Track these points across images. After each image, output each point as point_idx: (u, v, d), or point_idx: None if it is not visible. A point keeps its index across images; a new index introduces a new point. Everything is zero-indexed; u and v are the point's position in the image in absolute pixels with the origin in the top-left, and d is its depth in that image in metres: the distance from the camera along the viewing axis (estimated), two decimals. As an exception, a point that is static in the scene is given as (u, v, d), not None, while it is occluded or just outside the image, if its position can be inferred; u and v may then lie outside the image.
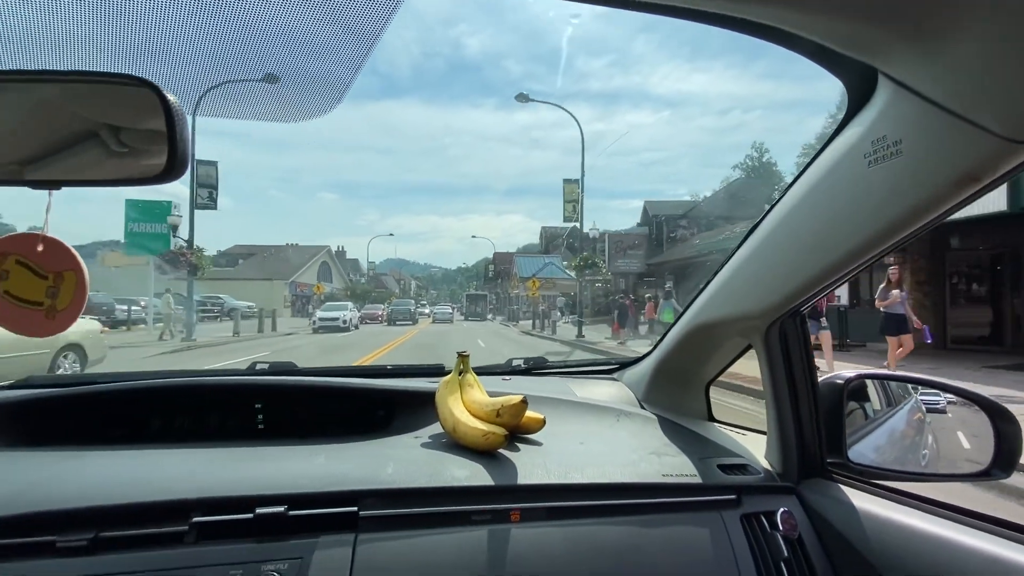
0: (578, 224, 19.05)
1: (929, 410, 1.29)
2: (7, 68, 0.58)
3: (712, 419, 1.19)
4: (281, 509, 0.72)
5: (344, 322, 21.74)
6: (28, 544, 0.67)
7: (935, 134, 0.52)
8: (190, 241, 15.43)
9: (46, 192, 0.62)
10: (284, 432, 1.05)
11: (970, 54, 0.44)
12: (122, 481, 0.77)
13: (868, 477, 0.86)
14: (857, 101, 0.61)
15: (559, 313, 19.83)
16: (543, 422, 0.99)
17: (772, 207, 0.79)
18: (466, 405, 0.98)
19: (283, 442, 0.94)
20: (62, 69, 0.56)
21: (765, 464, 0.93)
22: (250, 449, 0.90)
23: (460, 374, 1.03)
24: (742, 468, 0.90)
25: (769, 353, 0.89)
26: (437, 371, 1.36)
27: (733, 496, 0.84)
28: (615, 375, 1.42)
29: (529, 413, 0.97)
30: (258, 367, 1.34)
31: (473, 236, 58.55)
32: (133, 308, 18.55)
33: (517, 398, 0.94)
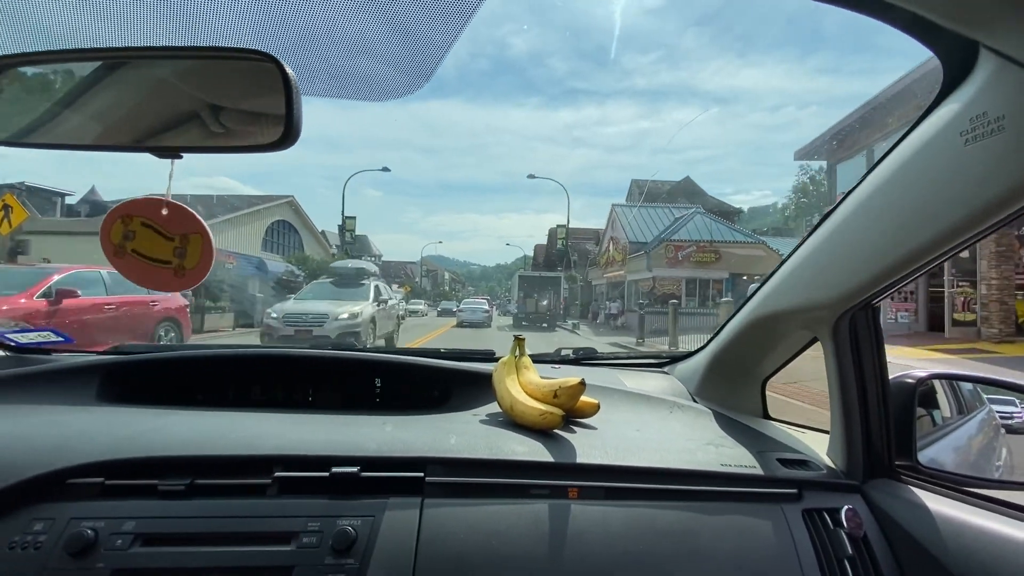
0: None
1: (1005, 426, 1.22)
2: (136, 45, 0.64)
3: (768, 416, 1.17)
4: (355, 470, 0.76)
5: None
6: (134, 486, 0.75)
7: None
8: None
9: (168, 160, 0.68)
10: (349, 403, 1.11)
11: None
12: (212, 436, 0.84)
13: (940, 481, 0.82)
14: (953, 77, 0.58)
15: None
16: (598, 407, 1.00)
17: (848, 193, 0.77)
18: (522, 386, 1.00)
19: (351, 411, 1.00)
20: (194, 45, 0.62)
21: (827, 461, 0.91)
22: (322, 415, 0.96)
23: (517, 356, 1.06)
24: (803, 464, 0.89)
25: (837, 347, 0.87)
26: (488, 356, 1.39)
27: (795, 490, 0.83)
28: (666, 369, 1.41)
29: (584, 398, 0.98)
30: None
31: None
32: None
33: (575, 380, 0.95)
